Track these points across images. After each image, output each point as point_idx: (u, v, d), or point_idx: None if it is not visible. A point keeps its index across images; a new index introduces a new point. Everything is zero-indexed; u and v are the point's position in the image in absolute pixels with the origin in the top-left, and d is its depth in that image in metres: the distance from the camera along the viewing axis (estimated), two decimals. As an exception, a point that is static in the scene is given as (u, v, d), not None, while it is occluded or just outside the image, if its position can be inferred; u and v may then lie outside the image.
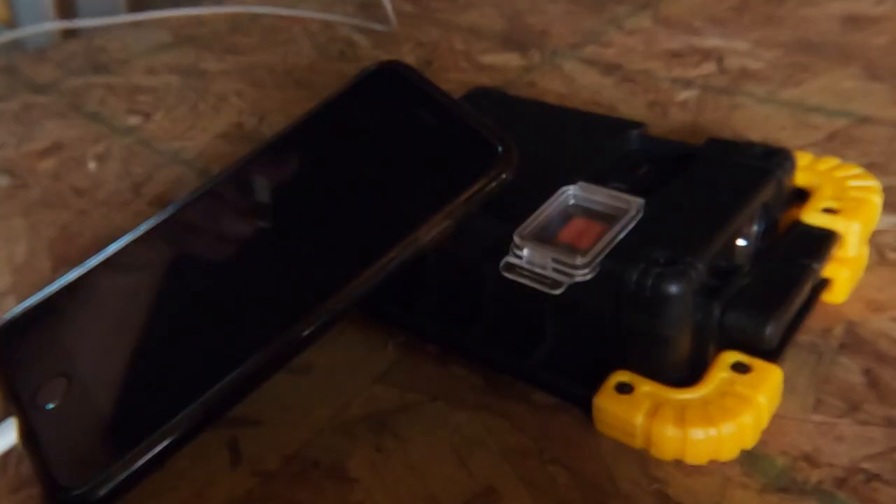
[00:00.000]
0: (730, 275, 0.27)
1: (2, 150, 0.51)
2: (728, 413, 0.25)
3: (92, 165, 0.49)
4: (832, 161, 0.34)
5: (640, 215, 0.28)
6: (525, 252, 0.27)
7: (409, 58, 0.58)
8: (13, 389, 0.27)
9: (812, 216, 0.31)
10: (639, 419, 0.26)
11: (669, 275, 0.25)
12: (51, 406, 0.26)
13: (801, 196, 0.32)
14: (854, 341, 0.30)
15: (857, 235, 0.30)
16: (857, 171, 0.33)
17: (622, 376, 0.27)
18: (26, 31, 0.68)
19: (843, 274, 0.31)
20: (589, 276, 0.26)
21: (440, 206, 0.26)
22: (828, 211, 0.31)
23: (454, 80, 0.54)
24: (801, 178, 0.33)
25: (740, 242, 0.29)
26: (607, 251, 0.27)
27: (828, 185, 0.32)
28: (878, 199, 0.32)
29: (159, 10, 0.69)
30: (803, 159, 0.34)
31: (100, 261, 0.29)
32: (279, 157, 0.31)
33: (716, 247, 0.27)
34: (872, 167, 0.40)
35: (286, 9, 0.69)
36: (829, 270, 0.31)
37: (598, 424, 0.27)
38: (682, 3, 0.62)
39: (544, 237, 0.27)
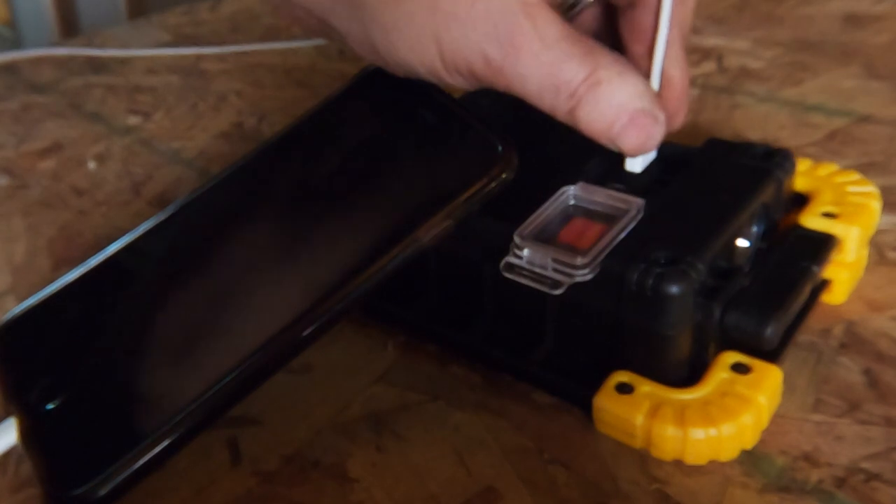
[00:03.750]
0: (730, 275, 0.27)
1: (2, 150, 0.51)
2: (728, 413, 0.25)
3: (92, 165, 0.49)
4: (831, 167, 0.34)
5: (640, 215, 0.28)
6: (525, 252, 0.27)
7: (409, 57, 0.58)
8: (13, 389, 0.27)
9: (811, 220, 0.31)
10: (639, 419, 0.26)
11: (670, 275, 0.25)
12: (51, 406, 0.26)
13: (801, 201, 0.32)
14: (854, 341, 0.30)
15: (856, 240, 0.30)
16: (856, 176, 0.33)
17: (622, 376, 0.27)
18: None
19: (842, 277, 0.31)
20: (589, 277, 0.26)
21: (440, 206, 0.26)
22: (827, 215, 0.31)
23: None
24: (800, 183, 0.33)
25: (740, 243, 0.29)
26: (608, 251, 0.27)
27: (827, 190, 0.32)
28: (876, 205, 0.32)
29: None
30: (802, 165, 0.34)
31: (100, 261, 0.29)
32: (279, 157, 0.30)
33: (716, 247, 0.27)
34: (872, 166, 0.40)
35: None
36: (828, 274, 0.31)
37: (598, 424, 0.27)
38: (682, 2, 0.62)
39: (544, 237, 0.27)
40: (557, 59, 0.25)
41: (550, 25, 0.25)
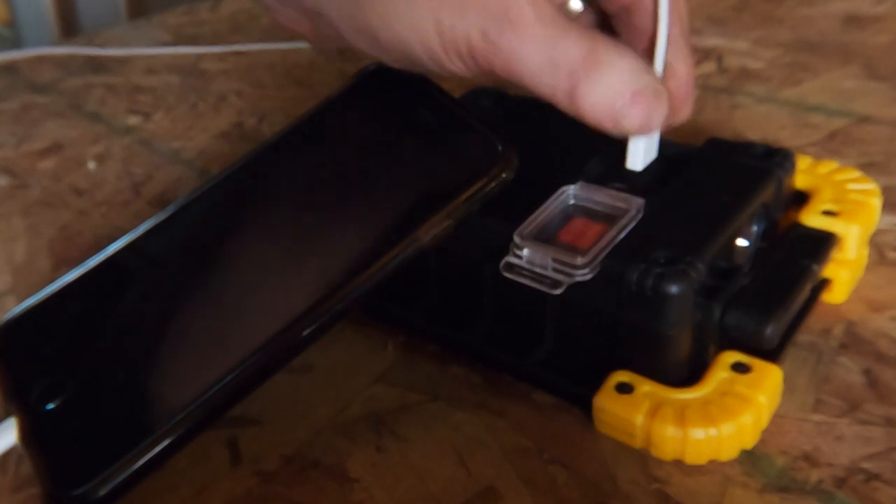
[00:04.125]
0: (730, 275, 0.27)
1: (2, 150, 0.51)
2: (728, 413, 0.25)
3: (92, 165, 0.49)
4: (831, 164, 0.34)
5: (640, 215, 0.28)
6: (525, 252, 0.27)
7: (409, 57, 0.58)
8: (13, 389, 0.27)
9: (812, 218, 0.31)
10: (639, 419, 0.26)
11: (670, 275, 0.25)
12: (51, 406, 0.26)
13: (801, 199, 0.32)
14: (854, 341, 0.30)
15: (856, 238, 0.30)
16: (857, 174, 0.33)
17: (622, 376, 0.27)
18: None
19: (842, 275, 0.31)
20: (589, 276, 0.26)
21: (440, 205, 0.26)
22: (827, 213, 0.31)
23: (454, 79, 0.54)
24: (800, 181, 0.33)
25: (740, 242, 0.29)
26: (607, 251, 0.27)
27: (827, 188, 0.32)
28: (877, 203, 0.32)
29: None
30: (803, 162, 0.34)
31: (100, 261, 0.29)
32: (279, 157, 0.30)
33: (716, 247, 0.27)
34: (872, 166, 0.40)
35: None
36: (828, 272, 0.31)
37: (598, 424, 0.27)
38: (682, 2, 0.62)
39: (544, 237, 0.27)
40: (555, 36, 0.25)
41: (546, 6, 0.25)
